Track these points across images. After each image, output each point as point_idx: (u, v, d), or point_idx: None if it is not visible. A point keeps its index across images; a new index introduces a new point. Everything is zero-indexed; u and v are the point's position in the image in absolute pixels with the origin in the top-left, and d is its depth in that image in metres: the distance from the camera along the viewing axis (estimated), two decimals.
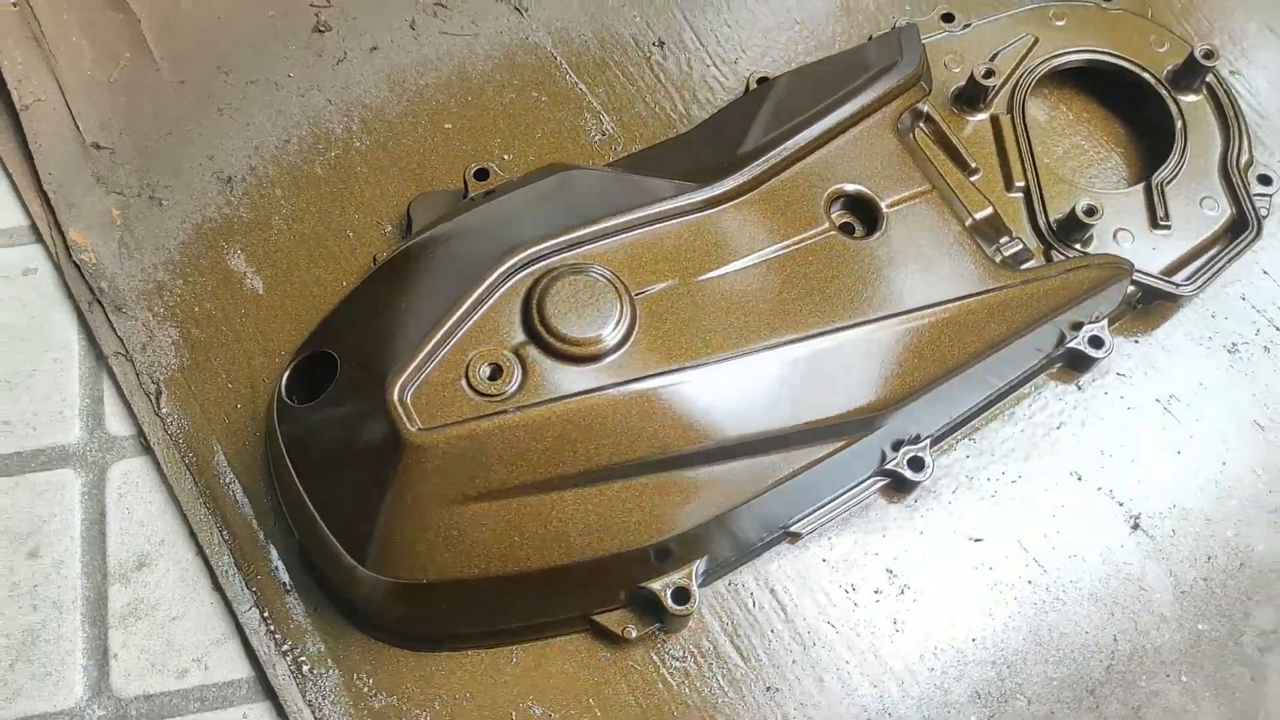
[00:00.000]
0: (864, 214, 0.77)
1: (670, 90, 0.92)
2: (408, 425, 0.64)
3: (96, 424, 0.80)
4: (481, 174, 0.84)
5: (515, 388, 0.66)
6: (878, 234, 0.76)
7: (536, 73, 0.92)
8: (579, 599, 0.72)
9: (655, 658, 0.75)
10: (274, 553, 0.76)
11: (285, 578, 0.75)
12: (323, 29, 0.93)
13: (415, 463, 0.64)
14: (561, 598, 0.72)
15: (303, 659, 0.73)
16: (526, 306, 0.67)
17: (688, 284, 0.70)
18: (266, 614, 0.74)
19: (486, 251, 0.70)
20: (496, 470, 0.65)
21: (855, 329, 0.71)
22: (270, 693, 0.73)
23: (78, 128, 0.88)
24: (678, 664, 0.74)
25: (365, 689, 0.73)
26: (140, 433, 0.79)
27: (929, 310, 0.73)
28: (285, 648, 0.74)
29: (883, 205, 0.76)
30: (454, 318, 0.67)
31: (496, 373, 0.66)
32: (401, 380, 0.65)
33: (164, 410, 0.80)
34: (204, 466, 0.78)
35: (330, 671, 0.73)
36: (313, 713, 0.72)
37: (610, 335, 0.67)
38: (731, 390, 0.68)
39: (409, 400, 0.65)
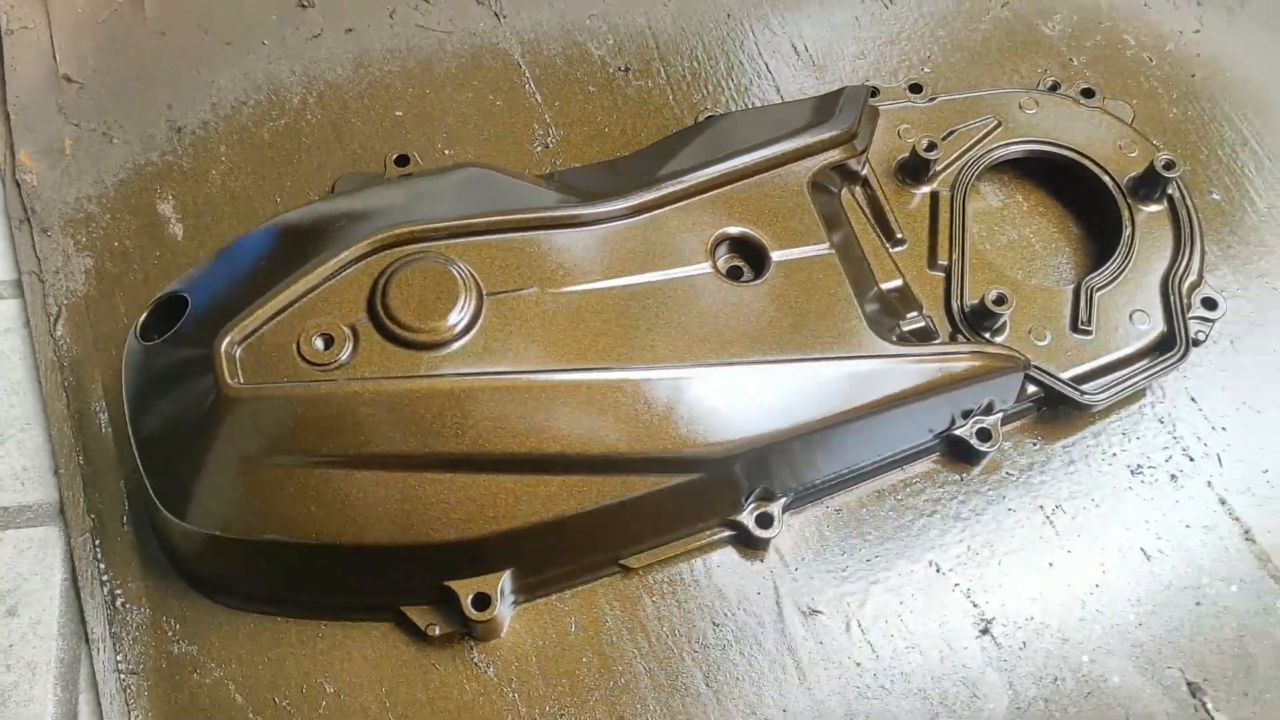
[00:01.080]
0: (753, 259, 0.76)
1: (624, 115, 0.93)
2: (228, 378, 0.65)
3: None
4: (402, 160, 0.85)
5: (344, 361, 0.66)
6: (759, 281, 0.74)
7: (498, 77, 0.94)
8: (384, 586, 0.72)
9: (458, 662, 0.74)
10: (123, 486, 0.78)
11: (126, 512, 0.77)
12: (306, 4, 0.96)
13: (228, 416, 0.65)
14: (366, 581, 0.72)
15: (119, 592, 0.75)
16: (374, 286, 0.68)
17: (544, 294, 0.70)
18: (98, 542, 0.76)
19: (358, 229, 0.71)
20: (306, 437, 0.65)
21: (704, 368, 0.70)
22: (82, 619, 0.74)
23: (55, 59, 0.92)
24: (479, 673, 0.73)
25: (170, 633, 0.74)
26: (33, 349, 0.82)
27: (787, 364, 0.71)
28: (105, 578, 0.75)
29: (772, 254, 0.75)
30: (301, 284, 0.68)
31: (329, 343, 0.67)
32: (234, 334, 0.66)
33: (59, 333, 0.82)
34: (80, 391, 0.80)
35: (141, 609, 0.74)
36: (113, 644, 0.73)
37: (447, 327, 0.67)
38: (557, 404, 0.67)
39: (238, 355, 0.66)
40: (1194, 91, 0.96)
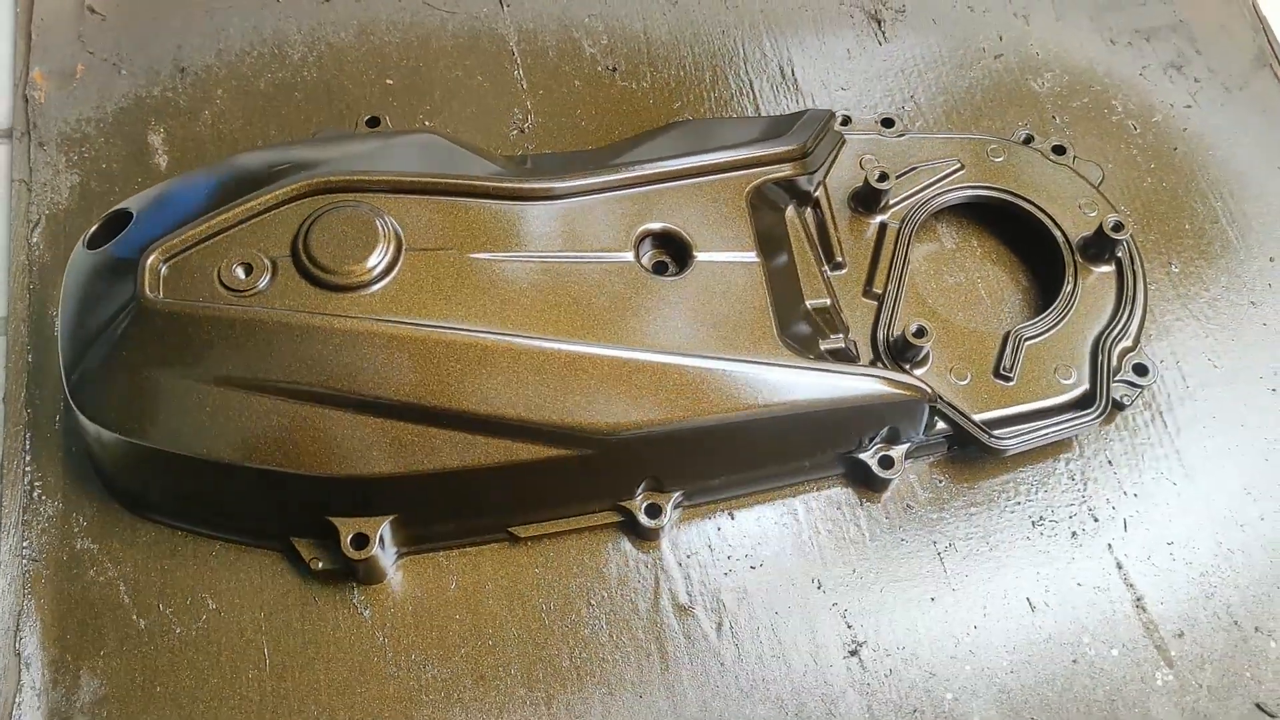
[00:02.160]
0: (678, 257, 0.78)
1: (603, 112, 0.96)
2: (147, 290, 0.69)
3: None
4: (373, 121, 0.89)
5: (259, 290, 0.70)
6: (678, 277, 0.76)
7: (490, 60, 0.97)
8: (273, 514, 0.75)
9: (337, 600, 0.77)
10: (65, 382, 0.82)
11: (61, 413, 0.81)
12: None
13: (141, 326, 0.69)
14: (256, 505, 0.75)
15: (38, 484, 0.79)
16: (300, 225, 0.71)
17: (462, 256, 0.73)
18: (29, 434, 0.81)
19: (302, 174, 0.75)
20: (208, 356, 0.69)
21: (603, 350, 0.72)
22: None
23: None
24: (355, 613, 0.76)
25: (75, 529, 0.78)
26: (10, 246, 0.87)
27: (687, 358, 0.73)
28: (28, 469, 0.79)
29: (697, 254, 0.77)
30: (234, 214, 0.71)
31: (248, 272, 0.70)
32: (160, 251, 0.70)
33: (34, 240, 0.88)
34: (41, 296, 0.85)
35: (54, 504, 0.78)
36: (22, 532, 0.77)
37: (360, 272, 0.70)
38: (451, 360, 0.70)
39: (163, 271, 0.70)
40: (1173, 164, 0.96)
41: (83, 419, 0.72)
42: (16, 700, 0.72)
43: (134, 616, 0.75)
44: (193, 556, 0.77)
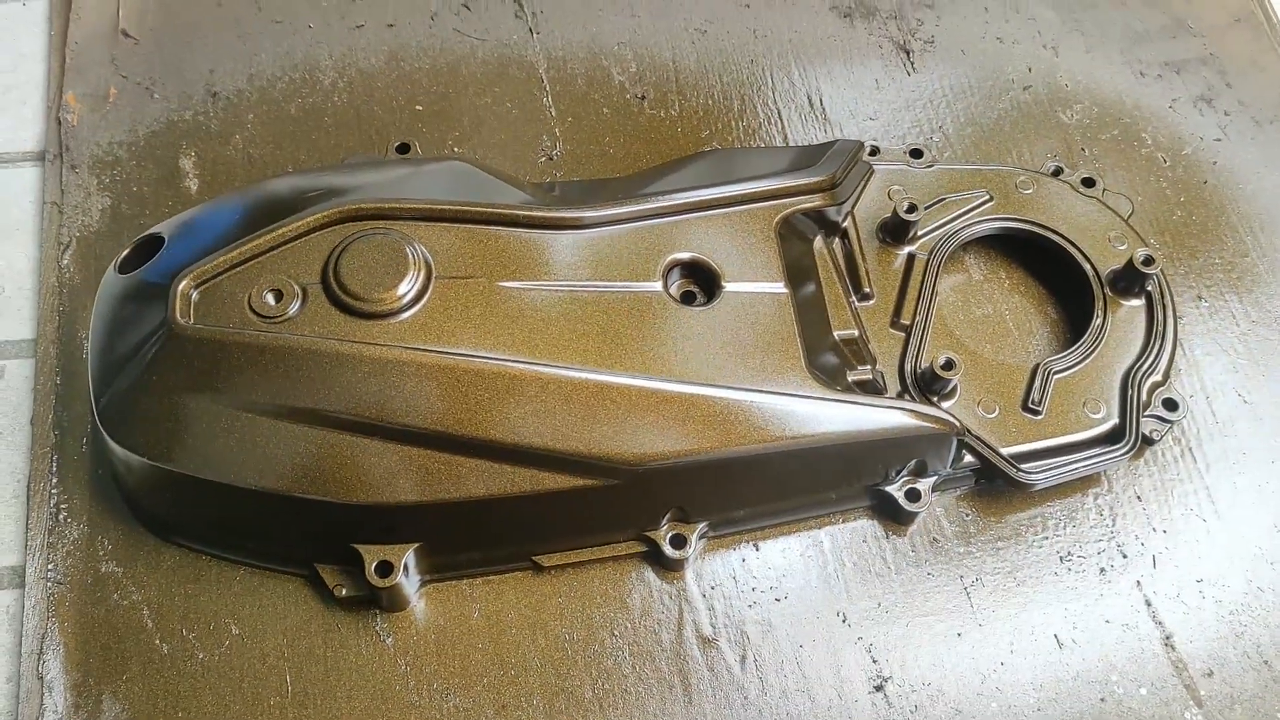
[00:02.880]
0: (706, 287, 0.78)
1: (631, 140, 0.96)
2: (178, 315, 0.69)
3: None
4: (403, 148, 0.90)
5: (288, 317, 0.70)
6: (706, 307, 0.76)
7: (519, 88, 0.98)
8: (298, 540, 0.75)
9: (360, 627, 0.76)
10: (90, 413, 0.82)
11: (88, 435, 0.81)
12: None
13: (171, 351, 0.70)
14: (281, 531, 0.75)
15: (64, 506, 0.79)
16: (330, 252, 0.72)
17: (491, 285, 0.73)
18: (56, 457, 0.81)
19: (333, 201, 0.75)
20: (237, 381, 0.69)
21: (630, 379, 0.72)
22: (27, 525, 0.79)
23: (119, 14, 0.99)
24: (377, 640, 0.76)
25: (101, 552, 0.78)
26: (41, 268, 0.88)
27: (714, 389, 0.73)
28: (54, 491, 0.80)
29: (725, 284, 0.77)
30: (265, 240, 0.72)
31: (278, 298, 0.71)
32: (193, 277, 0.71)
33: (64, 262, 0.88)
34: (71, 318, 0.86)
35: (80, 525, 0.79)
36: (47, 555, 0.77)
37: (390, 300, 0.70)
38: (478, 389, 0.70)
39: (194, 297, 0.71)
40: (1203, 198, 0.95)
41: (110, 443, 0.72)
42: None
43: (157, 641, 0.75)
44: (217, 581, 0.77)
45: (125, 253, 0.77)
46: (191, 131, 0.94)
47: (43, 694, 0.73)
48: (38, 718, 0.73)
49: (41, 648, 0.75)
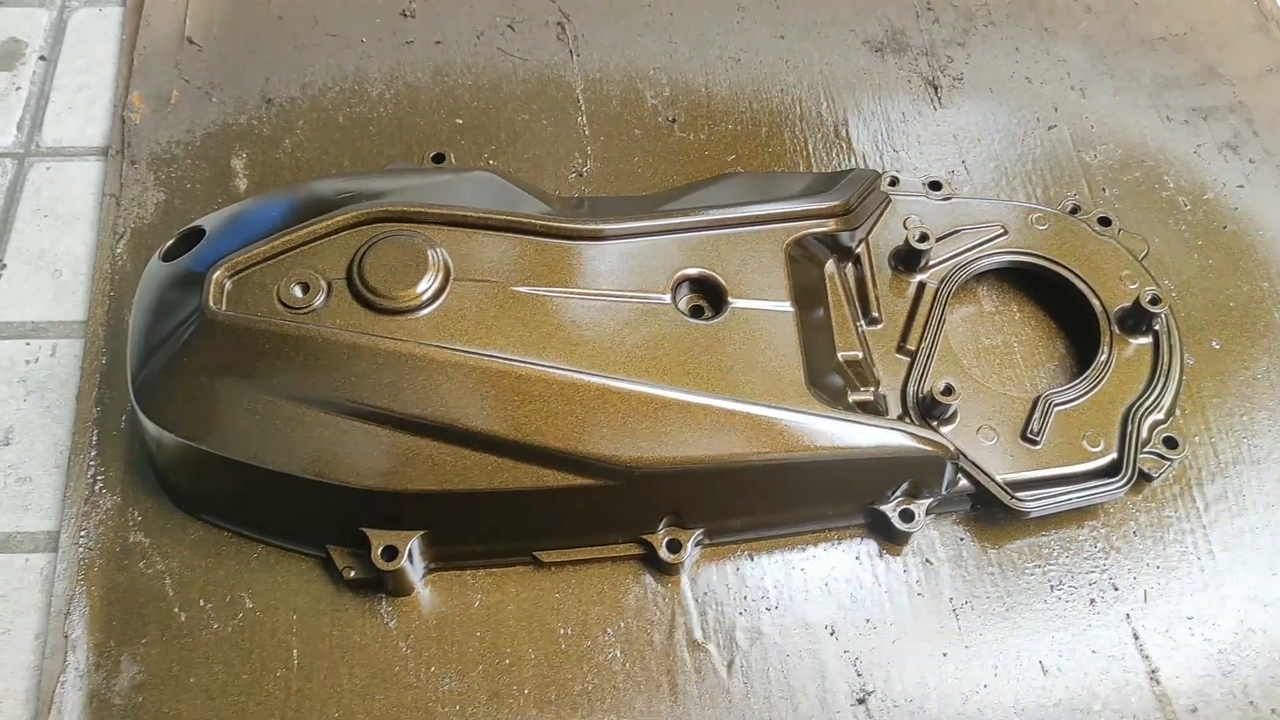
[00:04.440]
0: (714, 302, 0.81)
1: (659, 161, 0.99)
2: (212, 303, 0.74)
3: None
4: (438, 158, 0.94)
5: (313, 309, 0.74)
6: (712, 321, 0.79)
7: (555, 106, 1.02)
8: (311, 521, 0.79)
9: (365, 608, 0.80)
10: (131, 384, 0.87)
11: (127, 413, 0.86)
12: (408, 15, 1.07)
13: (203, 335, 0.74)
14: (295, 511, 0.79)
15: (100, 478, 0.84)
16: (356, 251, 0.76)
17: (506, 288, 0.77)
18: (96, 431, 0.86)
19: (365, 203, 0.79)
20: (261, 366, 0.74)
21: (632, 385, 0.75)
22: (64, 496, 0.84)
23: (185, 22, 1.06)
24: (381, 623, 0.80)
25: (131, 522, 0.82)
26: (96, 255, 0.94)
27: (712, 399, 0.75)
28: (93, 463, 0.85)
29: (731, 300, 0.80)
30: (296, 236, 0.76)
31: (305, 290, 0.75)
32: (227, 267, 0.75)
33: (118, 250, 0.94)
34: (120, 303, 0.91)
35: (113, 497, 0.83)
36: (81, 522, 0.82)
37: (409, 297, 0.74)
38: (487, 386, 0.73)
39: (228, 286, 0.75)
40: (1221, 242, 0.96)
41: (144, 419, 0.77)
42: (61, 679, 0.77)
43: (176, 609, 0.80)
44: (235, 556, 0.82)
45: (170, 243, 0.82)
46: (245, 134, 1.00)
47: (67, 651, 0.78)
48: (61, 673, 0.77)
49: (69, 608, 0.79)
